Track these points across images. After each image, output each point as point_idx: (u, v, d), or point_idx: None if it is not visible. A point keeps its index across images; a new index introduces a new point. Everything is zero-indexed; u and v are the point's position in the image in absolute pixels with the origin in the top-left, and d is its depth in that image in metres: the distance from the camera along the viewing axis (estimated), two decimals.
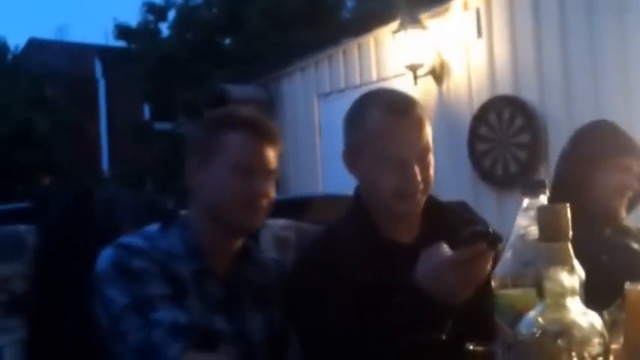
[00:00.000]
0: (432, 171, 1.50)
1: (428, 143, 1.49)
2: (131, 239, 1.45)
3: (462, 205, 1.67)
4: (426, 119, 1.51)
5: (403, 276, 1.33)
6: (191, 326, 1.36)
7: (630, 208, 2.00)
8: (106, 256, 1.43)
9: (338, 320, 1.39)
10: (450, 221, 1.50)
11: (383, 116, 1.48)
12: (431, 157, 1.50)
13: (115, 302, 1.38)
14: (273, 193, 1.51)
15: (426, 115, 1.52)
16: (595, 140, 1.99)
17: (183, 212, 1.56)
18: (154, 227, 1.50)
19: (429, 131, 1.50)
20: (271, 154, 1.50)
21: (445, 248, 1.31)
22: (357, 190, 1.56)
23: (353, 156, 1.52)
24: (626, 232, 1.99)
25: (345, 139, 1.55)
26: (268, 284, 1.56)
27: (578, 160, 1.98)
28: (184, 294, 1.42)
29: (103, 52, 13.72)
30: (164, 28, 12.00)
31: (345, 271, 1.43)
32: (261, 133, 1.50)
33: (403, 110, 1.48)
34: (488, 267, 1.25)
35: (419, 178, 1.46)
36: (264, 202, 1.49)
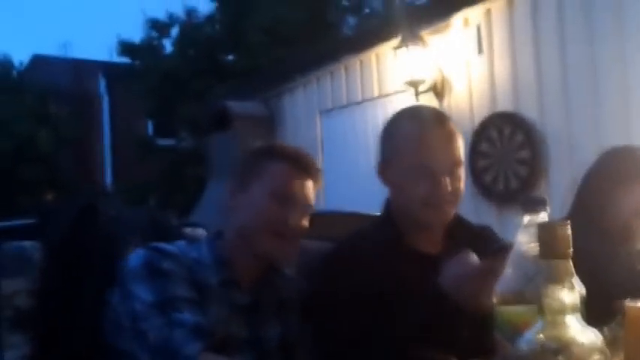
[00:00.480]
0: (462, 185, 1.55)
1: (459, 157, 1.55)
2: (164, 244, 1.49)
3: (487, 229, 1.72)
4: (457, 134, 1.56)
5: (425, 285, 1.35)
6: (211, 331, 1.38)
7: None
8: (137, 256, 1.45)
9: (356, 327, 1.42)
10: (475, 238, 1.54)
11: (415, 127, 1.55)
12: (461, 172, 1.55)
13: (141, 300, 1.39)
14: (304, 228, 1.52)
15: (457, 130, 1.57)
16: (621, 161, 2.01)
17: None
18: (182, 242, 1.54)
19: (460, 145, 1.56)
20: (310, 190, 1.53)
21: (471, 256, 1.33)
22: (387, 200, 1.61)
23: (385, 167, 1.58)
24: None
25: (378, 153, 1.61)
26: (290, 296, 1.59)
27: (602, 178, 1.99)
28: (208, 301, 1.45)
29: (106, 68, 13.78)
30: (167, 45, 12.09)
31: (368, 277, 1.45)
32: (303, 167, 1.53)
33: (435, 122, 1.55)
34: None
35: (448, 189, 1.50)
36: (293, 234, 1.50)
